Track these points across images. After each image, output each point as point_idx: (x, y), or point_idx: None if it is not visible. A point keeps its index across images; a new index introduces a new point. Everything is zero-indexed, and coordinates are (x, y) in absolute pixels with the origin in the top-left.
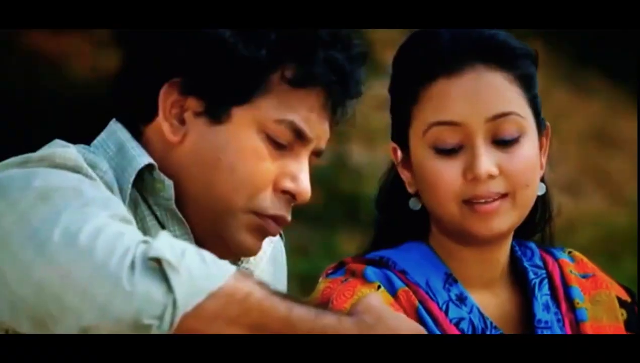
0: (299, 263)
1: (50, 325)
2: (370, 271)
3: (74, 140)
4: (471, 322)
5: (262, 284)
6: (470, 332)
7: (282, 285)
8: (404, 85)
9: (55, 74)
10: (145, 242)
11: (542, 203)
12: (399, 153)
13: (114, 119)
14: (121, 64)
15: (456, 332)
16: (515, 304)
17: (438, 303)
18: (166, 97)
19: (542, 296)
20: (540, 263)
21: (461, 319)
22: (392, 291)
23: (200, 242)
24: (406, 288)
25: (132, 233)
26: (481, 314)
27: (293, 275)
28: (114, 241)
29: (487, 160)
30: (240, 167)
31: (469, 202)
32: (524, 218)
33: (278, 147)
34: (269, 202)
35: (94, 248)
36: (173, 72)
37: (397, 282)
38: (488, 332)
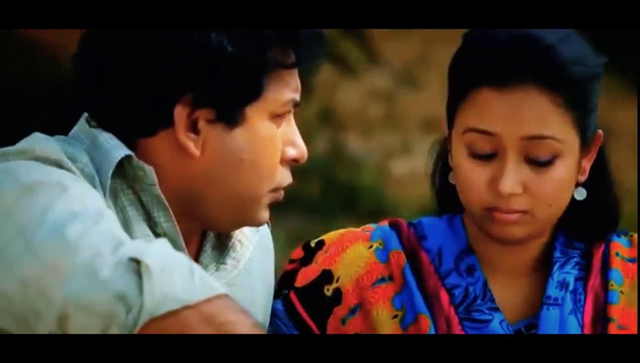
0: None
1: (33, 323)
2: (379, 231)
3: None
4: (466, 289)
5: (246, 314)
6: (460, 299)
7: (269, 272)
8: (457, 79)
9: (51, 64)
10: (137, 243)
11: (610, 204)
12: (446, 128)
13: (85, 113)
14: (112, 78)
15: (445, 295)
16: (534, 287)
17: (438, 270)
18: (181, 116)
19: (560, 274)
20: (579, 244)
21: (457, 286)
22: (386, 252)
23: (209, 224)
24: (399, 250)
25: (119, 229)
26: (486, 288)
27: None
28: (102, 238)
29: (514, 177)
30: (263, 161)
31: (490, 209)
32: (545, 229)
33: (280, 119)
34: (283, 176)
35: (81, 244)
36: (181, 90)
37: (395, 245)
38: (479, 301)
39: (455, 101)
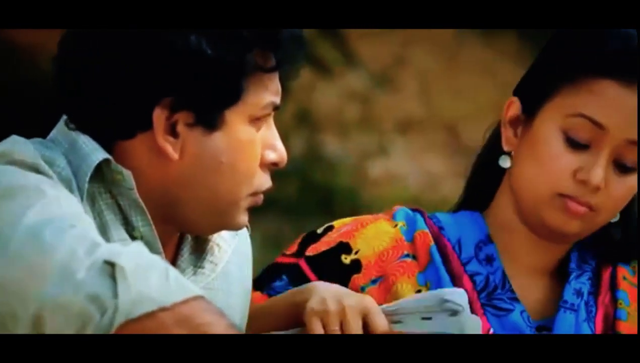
0: (272, 254)
1: (10, 324)
2: (402, 213)
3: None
4: (487, 278)
5: (221, 316)
6: (481, 286)
7: (247, 276)
8: (569, 59)
9: (30, 66)
10: (112, 246)
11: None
12: (515, 108)
13: (64, 116)
14: (91, 80)
15: (468, 281)
16: (549, 290)
17: (460, 256)
18: (160, 119)
19: (576, 282)
20: (591, 262)
21: (478, 274)
22: (412, 232)
23: (187, 227)
24: (425, 230)
25: (95, 233)
26: (505, 277)
27: (265, 267)
28: (78, 241)
29: (604, 172)
30: (242, 165)
31: (563, 196)
32: (588, 234)
33: (260, 123)
34: (262, 179)
35: (57, 246)
36: (160, 93)
37: (421, 225)
38: (499, 291)
39: (557, 82)
